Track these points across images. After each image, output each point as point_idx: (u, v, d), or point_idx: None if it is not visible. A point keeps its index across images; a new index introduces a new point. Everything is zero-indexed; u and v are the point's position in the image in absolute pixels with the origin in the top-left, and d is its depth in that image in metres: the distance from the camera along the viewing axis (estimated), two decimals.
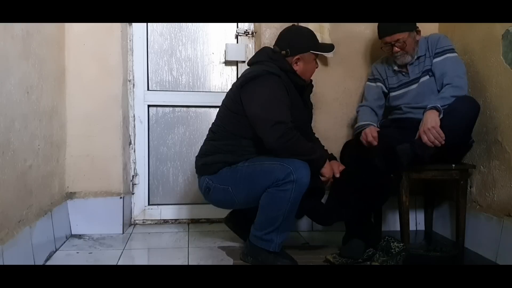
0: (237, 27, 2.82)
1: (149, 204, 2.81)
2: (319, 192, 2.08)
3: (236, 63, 2.84)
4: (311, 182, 1.95)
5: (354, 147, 2.32)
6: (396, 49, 2.27)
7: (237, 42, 2.83)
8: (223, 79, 2.86)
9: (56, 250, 2.21)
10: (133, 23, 2.72)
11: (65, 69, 2.45)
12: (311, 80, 2.25)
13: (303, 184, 1.92)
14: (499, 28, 2.17)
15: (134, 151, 2.76)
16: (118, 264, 2.07)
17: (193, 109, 2.83)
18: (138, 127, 2.76)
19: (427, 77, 2.29)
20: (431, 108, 2.10)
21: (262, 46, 2.55)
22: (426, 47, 2.31)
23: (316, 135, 2.40)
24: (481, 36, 2.32)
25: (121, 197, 2.54)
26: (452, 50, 2.27)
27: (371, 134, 2.24)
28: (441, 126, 2.06)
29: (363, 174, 2.12)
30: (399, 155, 2.08)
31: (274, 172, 1.92)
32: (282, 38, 2.17)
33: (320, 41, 2.22)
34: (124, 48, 2.63)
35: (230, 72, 2.86)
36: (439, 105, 2.10)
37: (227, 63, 2.85)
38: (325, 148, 2.30)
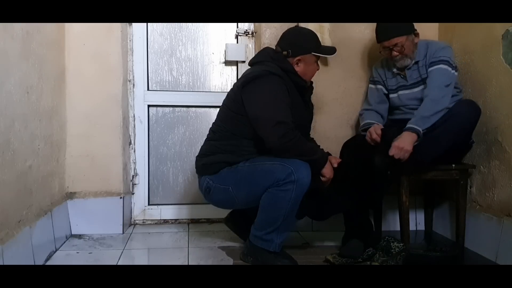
0: (237, 27, 2.82)
1: (149, 204, 2.81)
2: (320, 193, 2.08)
3: (236, 63, 2.84)
4: (311, 183, 1.95)
5: (353, 146, 2.32)
6: (394, 53, 2.26)
7: (237, 42, 2.83)
8: (223, 79, 2.86)
9: (56, 250, 2.21)
10: (133, 23, 2.72)
11: (65, 69, 2.45)
12: (312, 82, 2.25)
13: (304, 184, 1.92)
14: (499, 28, 2.17)
15: (134, 151, 2.76)
16: (118, 264, 2.07)
17: (193, 109, 2.83)
18: (138, 127, 2.76)
19: (423, 86, 2.28)
20: (412, 131, 2.09)
21: (262, 46, 2.56)
22: (425, 53, 2.29)
23: (316, 135, 2.41)
24: (481, 36, 2.32)
25: (121, 197, 2.54)
26: (445, 62, 2.22)
27: (375, 132, 2.25)
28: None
29: (361, 167, 2.14)
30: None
31: (275, 172, 1.92)
32: (284, 38, 2.17)
33: (320, 41, 2.22)
34: (124, 48, 2.63)
35: (230, 72, 2.86)
36: (420, 130, 2.09)
37: (227, 63, 2.85)
38: (321, 147, 2.30)
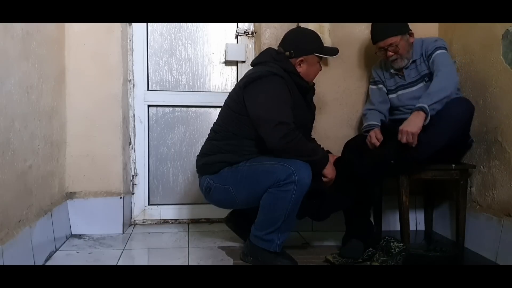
0: (237, 27, 2.82)
1: (149, 204, 2.81)
2: (321, 194, 2.08)
3: (236, 63, 2.84)
4: (312, 184, 1.95)
5: (355, 146, 2.31)
6: (390, 53, 2.27)
7: (237, 42, 2.83)
8: (223, 79, 2.86)
9: (56, 250, 2.21)
10: (133, 23, 2.72)
11: (65, 69, 2.45)
12: (314, 83, 2.25)
13: (305, 184, 1.92)
14: (499, 28, 2.17)
15: (134, 151, 2.76)
16: (118, 264, 2.07)
17: (193, 109, 2.83)
18: (138, 127, 2.76)
19: (423, 83, 2.29)
20: (418, 109, 2.08)
21: (262, 46, 2.56)
22: (421, 51, 2.30)
23: (316, 135, 2.41)
24: (481, 36, 2.32)
25: (121, 197, 2.54)
26: (441, 47, 2.24)
27: (375, 136, 2.24)
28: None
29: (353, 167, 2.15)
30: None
31: (276, 173, 1.92)
32: (286, 39, 2.17)
33: (323, 42, 2.21)
34: (124, 48, 2.63)
35: (230, 72, 2.86)
36: (426, 106, 2.06)
37: (227, 63, 2.85)
38: (322, 146, 2.30)
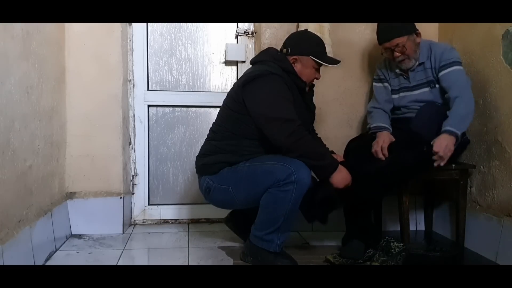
0: (237, 27, 2.82)
1: (149, 204, 2.81)
2: (333, 203, 2.03)
3: (236, 63, 2.84)
4: (321, 192, 1.93)
5: (359, 146, 2.29)
6: (396, 54, 2.24)
7: (237, 42, 2.83)
8: (223, 79, 2.86)
9: (56, 250, 2.21)
10: (133, 23, 2.72)
11: (65, 69, 2.45)
12: (313, 85, 2.24)
13: (304, 184, 1.92)
14: (499, 28, 2.17)
15: (134, 151, 2.76)
16: (118, 264, 2.07)
17: (193, 109, 2.83)
18: (138, 127, 2.76)
19: (429, 88, 2.27)
20: (450, 133, 2.08)
21: (262, 46, 2.56)
22: (428, 54, 2.27)
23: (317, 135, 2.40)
24: (481, 36, 2.32)
25: (121, 197, 2.54)
26: (459, 63, 2.22)
27: (382, 150, 2.13)
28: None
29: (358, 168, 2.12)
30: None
31: (275, 173, 1.92)
32: (289, 37, 2.18)
33: (326, 50, 2.17)
34: (124, 48, 2.63)
35: (230, 72, 2.86)
36: (459, 133, 2.08)
37: (227, 63, 2.85)
38: (326, 146, 2.29)
